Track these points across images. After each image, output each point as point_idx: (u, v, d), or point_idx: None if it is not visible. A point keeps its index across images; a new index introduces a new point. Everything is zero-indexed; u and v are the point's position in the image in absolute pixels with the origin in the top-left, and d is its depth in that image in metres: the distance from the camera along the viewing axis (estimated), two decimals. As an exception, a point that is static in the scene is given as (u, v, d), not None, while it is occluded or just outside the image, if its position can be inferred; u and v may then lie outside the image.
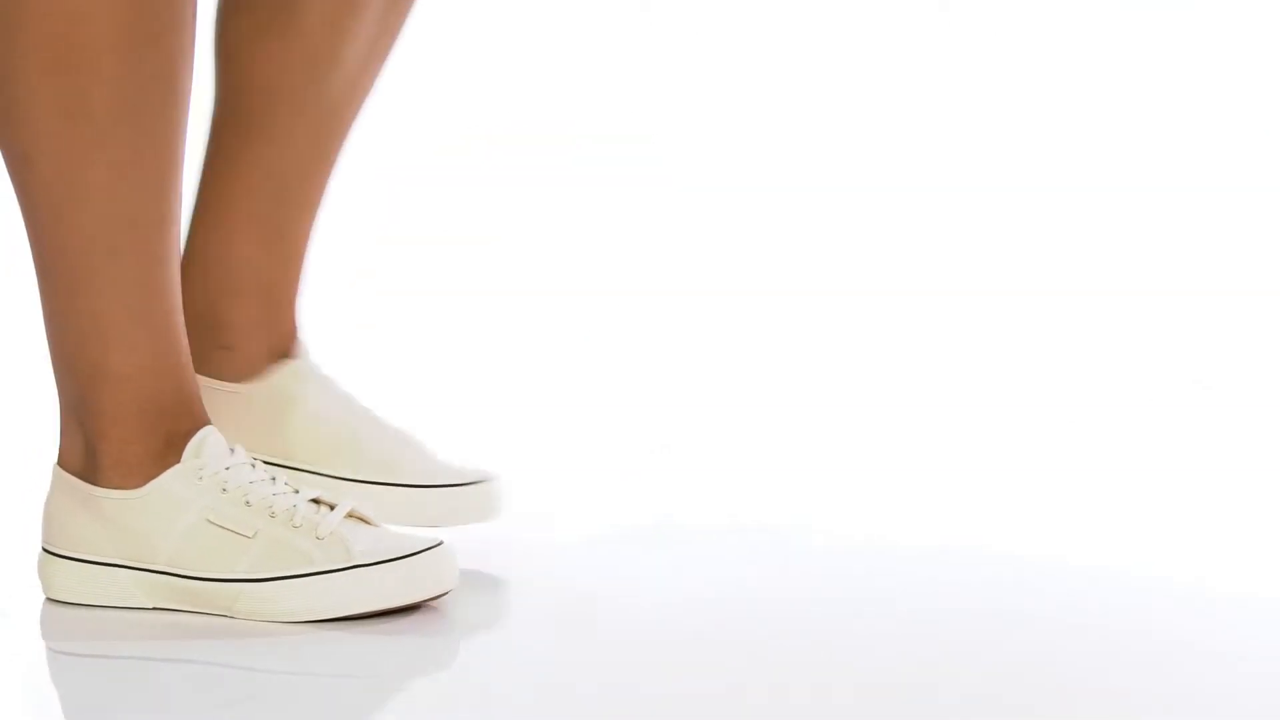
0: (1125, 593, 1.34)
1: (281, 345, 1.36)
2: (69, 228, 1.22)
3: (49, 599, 1.26)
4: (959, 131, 2.53)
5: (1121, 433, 2.04)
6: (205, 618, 1.23)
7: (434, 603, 1.25)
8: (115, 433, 1.25)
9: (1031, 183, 2.50)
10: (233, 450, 1.26)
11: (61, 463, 1.27)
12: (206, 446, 1.25)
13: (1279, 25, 2.46)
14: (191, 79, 1.23)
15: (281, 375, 1.35)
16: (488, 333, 2.24)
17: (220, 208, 1.35)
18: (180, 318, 1.26)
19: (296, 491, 1.25)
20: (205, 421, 1.26)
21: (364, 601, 1.21)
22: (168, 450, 1.25)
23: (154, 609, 1.24)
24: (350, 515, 1.25)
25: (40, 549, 1.26)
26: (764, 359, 2.21)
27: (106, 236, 1.22)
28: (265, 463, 1.28)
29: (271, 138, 1.34)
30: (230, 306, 1.35)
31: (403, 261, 2.40)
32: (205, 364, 1.33)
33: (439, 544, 1.23)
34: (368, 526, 1.25)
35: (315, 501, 1.25)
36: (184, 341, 1.27)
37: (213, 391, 1.32)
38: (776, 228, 2.45)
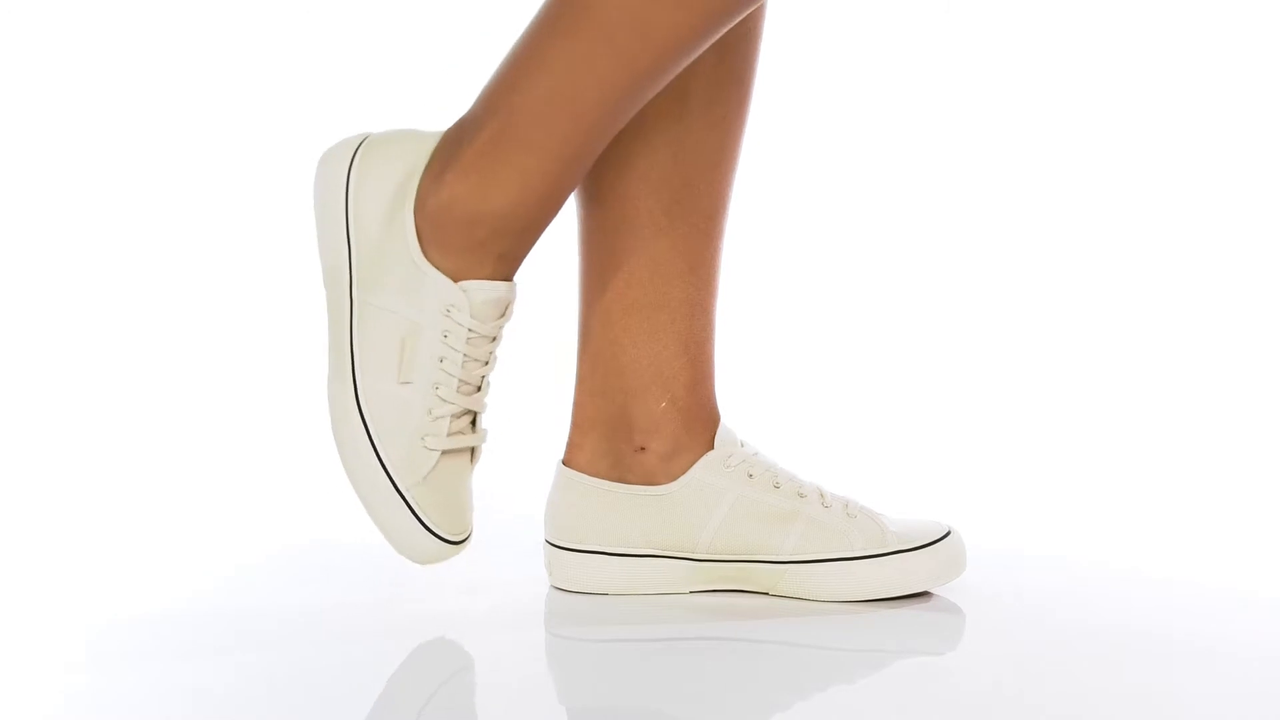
0: (1127, 592, 1.34)
1: (698, 436, 1.32)
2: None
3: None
4: (957, 134, 2.53)
5: (1123, 432, 2.05)
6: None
7: (433, 604, 1.26)
8: None
9: (1029, 187, 2.50)
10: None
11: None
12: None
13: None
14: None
15: (696, 472, 1.31)
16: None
17: (641, 312, 1.32)
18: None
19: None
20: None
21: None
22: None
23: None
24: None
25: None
26: (756, 362, 2.21)
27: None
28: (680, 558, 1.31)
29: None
30: (641, 406, 1.32)
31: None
32: (624, 470, 1.32)
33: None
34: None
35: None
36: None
37: (633, 496, 1.31)
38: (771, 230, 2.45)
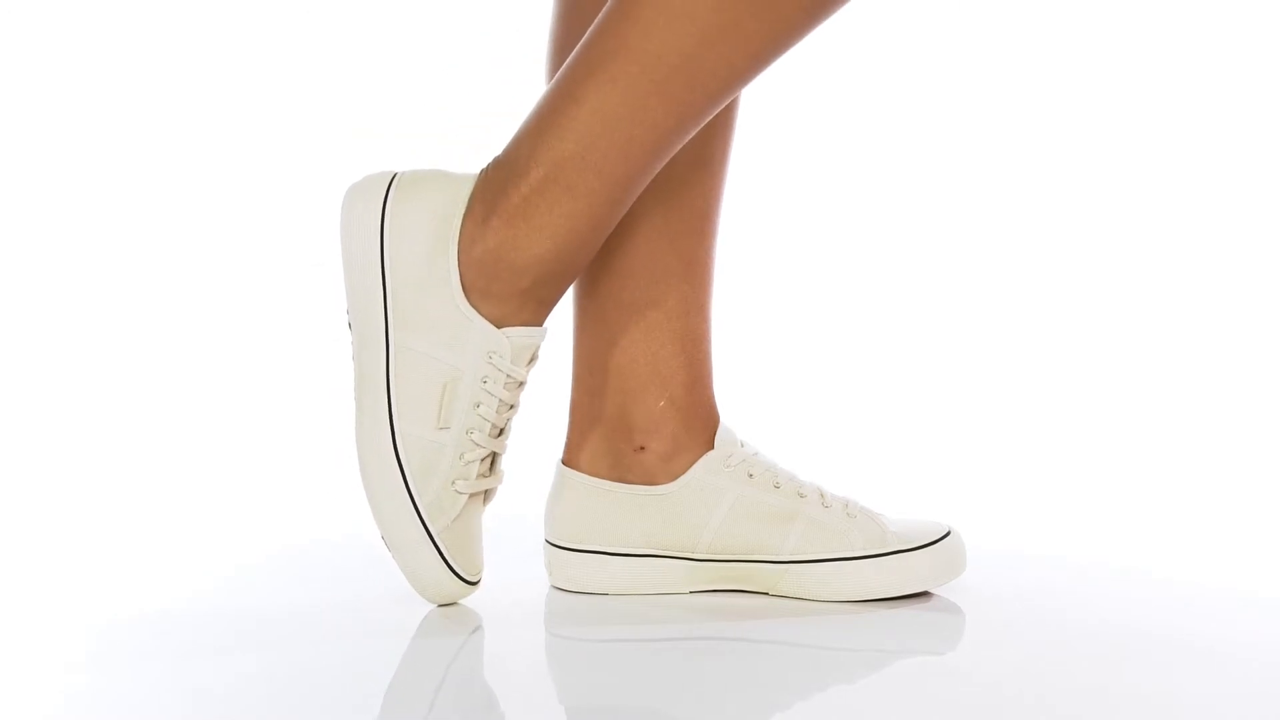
0: (1127, 592, 1.34)
1: (697, 435, 1.32)
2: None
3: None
4: (954, 135, 2.53)
5: (1122, 432, 2.05)
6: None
7: (433, 604, 1.26)
8: None
9: (1027, 187, 2.50)
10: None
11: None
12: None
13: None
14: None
15: (696, 472, 1.31)
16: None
17: (637, 311, 1.32)
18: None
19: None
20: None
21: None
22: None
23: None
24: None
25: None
26: (755, 362, 2.21)
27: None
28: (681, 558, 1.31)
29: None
30: (639, 405, 1.32)
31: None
32: (624, 470, 1.32)
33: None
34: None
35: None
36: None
37: (633, 496, 1.31)
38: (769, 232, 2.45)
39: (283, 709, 1.06)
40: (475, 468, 1.25)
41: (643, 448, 1.31)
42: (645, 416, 1.31)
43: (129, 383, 2.20)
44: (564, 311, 1.34)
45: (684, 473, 1.30)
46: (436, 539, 1.24)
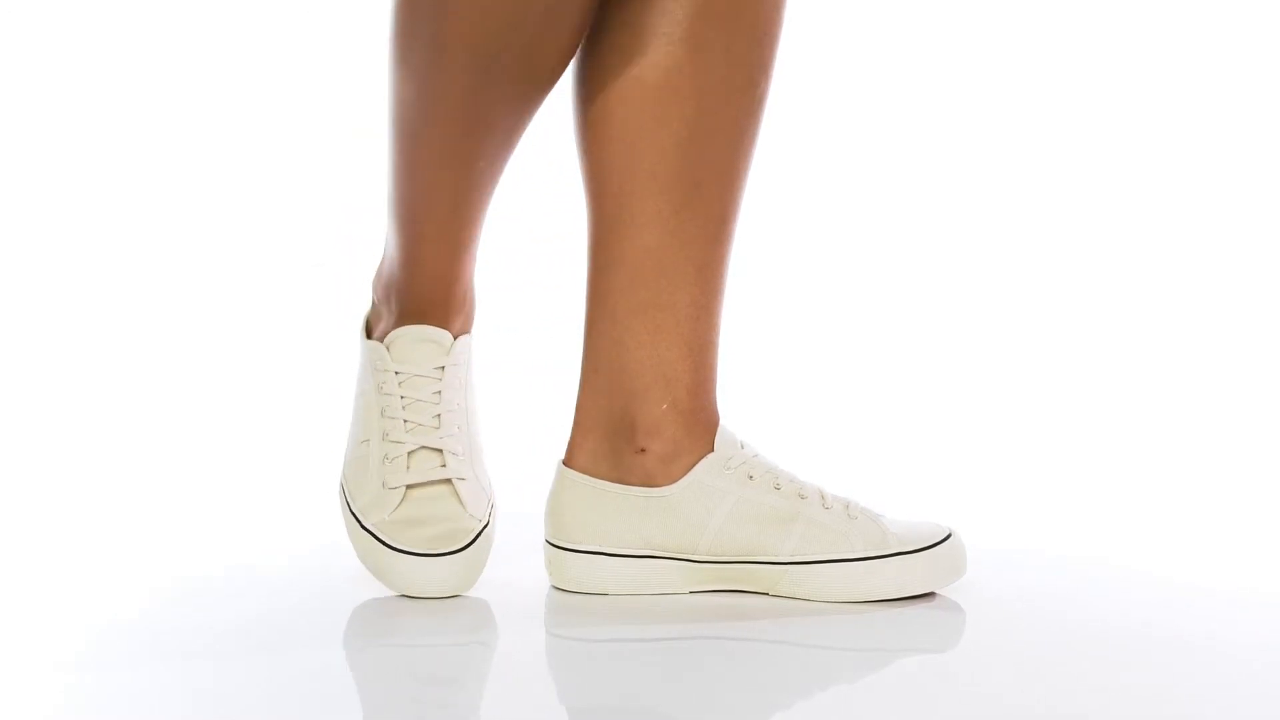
0: (1127, 592, 1.34)
1: (698, 439, 1.32)
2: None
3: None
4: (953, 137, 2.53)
5: (1123, 432, 2.05)
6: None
7: (432, 604, 1.26)
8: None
9: (1028, 190, 2.50)
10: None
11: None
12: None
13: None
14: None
15: (696, 474, 1.30)
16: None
17: (646, 313, 1.31)
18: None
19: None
20: None
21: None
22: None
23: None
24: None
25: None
26: (757, 363, 2.21)
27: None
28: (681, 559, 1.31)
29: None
30: (643, 407, 1.32)
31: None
32: (624, 471, 1.31)
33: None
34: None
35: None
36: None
37: (633, 497, 1.31)
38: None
39: (281, 710, 1.06)
40: (401, 463, 1.29)
41: (644, 449, 1.31)
42: (648, 418, 1.31)
43: (129, 383, 2.20)
44: (577, 311, 1.34)
45: (684, 475, 1.30)
46: (374, 529, 1.28)
